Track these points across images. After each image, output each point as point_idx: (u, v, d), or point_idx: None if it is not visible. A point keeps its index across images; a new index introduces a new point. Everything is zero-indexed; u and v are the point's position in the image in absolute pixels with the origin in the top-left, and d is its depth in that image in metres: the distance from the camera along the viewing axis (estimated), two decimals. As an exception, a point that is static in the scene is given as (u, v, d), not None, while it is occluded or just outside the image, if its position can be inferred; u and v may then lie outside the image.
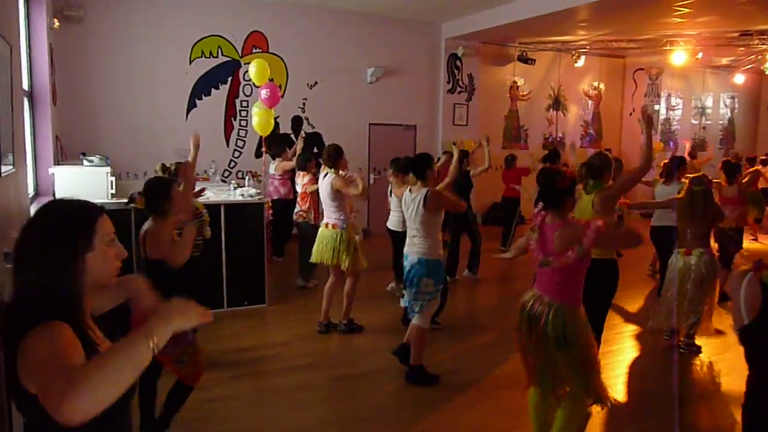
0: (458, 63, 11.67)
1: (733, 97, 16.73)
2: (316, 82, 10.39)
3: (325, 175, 5.47)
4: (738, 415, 2.28)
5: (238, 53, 9.71)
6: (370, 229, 10.55)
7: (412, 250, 4.40)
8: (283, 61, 10.08)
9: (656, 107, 14.88)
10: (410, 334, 4.48)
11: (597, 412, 3.65)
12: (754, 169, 9.48)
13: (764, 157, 10.68)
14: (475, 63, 11.92)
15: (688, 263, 4.92)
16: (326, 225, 5.47)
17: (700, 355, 5.17)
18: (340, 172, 5.43)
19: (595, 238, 2.92)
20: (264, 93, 7.67)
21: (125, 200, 4.76)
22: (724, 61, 14.77)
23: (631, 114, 14.64)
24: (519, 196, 8.89)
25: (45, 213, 1.52)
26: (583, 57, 13.05)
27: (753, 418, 2.11)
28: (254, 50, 9.83)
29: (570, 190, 3.12)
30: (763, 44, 11.61)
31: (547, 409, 3.30)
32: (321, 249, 5.43)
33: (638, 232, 3.25)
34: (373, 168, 10.99)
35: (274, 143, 8.40)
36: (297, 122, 10.13)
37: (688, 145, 11.72)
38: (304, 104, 10.36)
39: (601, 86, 14.33)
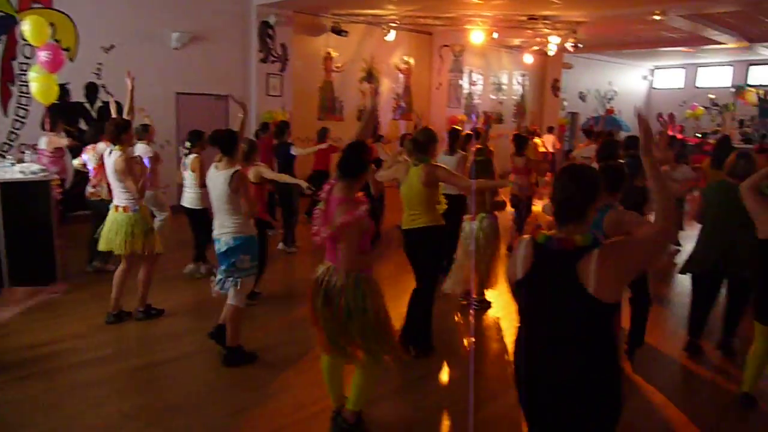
0: (270, 31, 11.37)
1: (524, 75, 18.55)
2: (112, 46, 9.44)
3: (110, 152, 4.90)
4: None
5: (12, 7, 8.43)
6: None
7: (224, 232, 4.22)
8: (71, 20, 8.97)
9: (460, 82, 15.97)
10: (226, 314, 4.32)
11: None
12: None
13: (535, 128, 11.96)
14: (288, 32, 11.71)
15: (472, 227, 5.40)
16: (116, 208, 4.94)
17: (490, 310, 5.72)
18: (136, 147, 4.93)
19: (346, 222, 3.03)
20: (44, 55, 6.75)
21: None
22: (516, 41, 16.28)
23: (437, 88, 15.54)
24: (328, 170, 8.91)
25: None
26: (393, 31, 13.47)
27: (516, 368, 2.32)
28: (34, 5, 8.61)
29: (368, 166, 3.17)
30: (547, 28, 12.97)
31: (340, 374, 3.45)
32: (111, 236, 4.91)
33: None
34: (182, 141, 10.33)
35: (61, 113, 7.51)
36: (92, 90, 9.17)
37: (481, 119, 12.76)
38: (99, 70, 9.36)
39: (411, 61, 14.97)
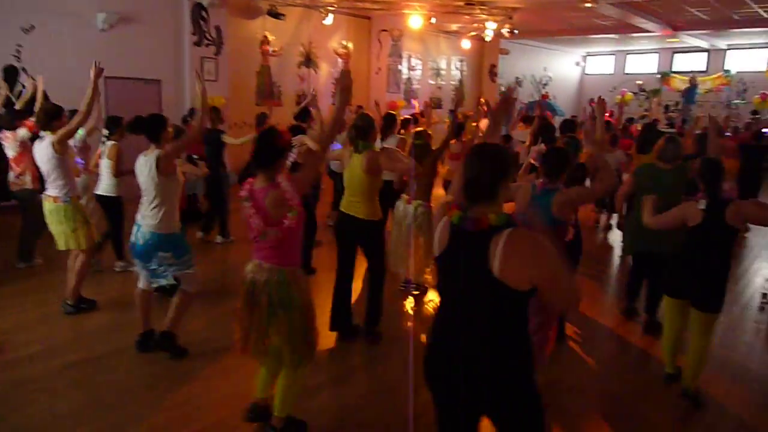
0: (204, 13, 11.02)
1: (462, 61, 18.75)
2: (32, 26, 8.92)
3: (42, 139, 4.69)
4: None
5: None
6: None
7: (146, 222, 4.02)
8: (-14, -2, 8.43)
9: (399, 67, 15.97)
10: (175, 300, 4.22)
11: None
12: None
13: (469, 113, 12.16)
14: (223, 15, 11.38)
15: (408, 210, 5.42)
16: (48, 198, 4.77)
17: (429, 293, 5.80)
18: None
19: (296, 191, 2.93)
20: (-43, 36, 6.31)
21: None
22: (454, 27, 16.42)
23: (377, 73, 15.50)
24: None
25: None
26: (331, 15, 13.30)
27: (428, 346, 2.30)
28: (-58, -19, 8.03)
29: (284, 151, 3.05)
30: (483, 14, 13.13)
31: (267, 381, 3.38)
32: (56, 229, 4.79)
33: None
34: (105, 126, 9.92)
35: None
36: (11, 73, 8.67)
37: (417, 105, 12.85)
38: (18, 52, 8.84)
39: (350, 45, 14.85)
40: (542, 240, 2.02)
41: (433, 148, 5.55)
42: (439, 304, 2.29)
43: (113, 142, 5.77)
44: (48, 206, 4.78)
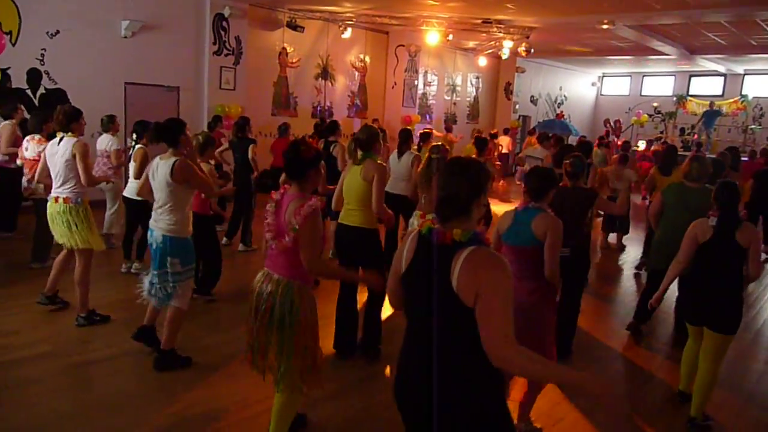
0: (225, 24, 11.18)
1: (478, 77, 18.83)
2: (58, 31, 9.10)
3: (60, 140, 4.72)
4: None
5: (-51, -13, 8.02)
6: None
7: (158, 226, 4.04)
8: (14, 3, 8.60)
9: (415, 82, 16.07)
10: (167, 315, 4.15)
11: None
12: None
13: (495, 131, 12.26)
14: (243, 26, 11.54)
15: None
16: (56, 200, 4.74)
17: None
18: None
19: (307, 217, 2.88)
20: (-16, 39, 6.47)
21: None
22: (471, 44, 16.51)
23: (393, 87, 15.59)
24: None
25: None
26: (349, 29, 13.45)
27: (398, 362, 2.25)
28: (-28, -14, 8.22)
29: (314, 161, 3.07)
30: (500, 32, 13.20)
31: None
32: (57, 229, 4.78)
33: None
34: (131, 132, 10.06)
35: (3, 100, 7.18)
36: (34, 76, 8.82)
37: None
38: (43, 56, 9.01)
39: (367, 59, 14.98)
40: (500, 264, 1.94)
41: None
42: (406, 323, 2.21)
43: (141, 146, 5.90)
44: (55, 207, 4.74)
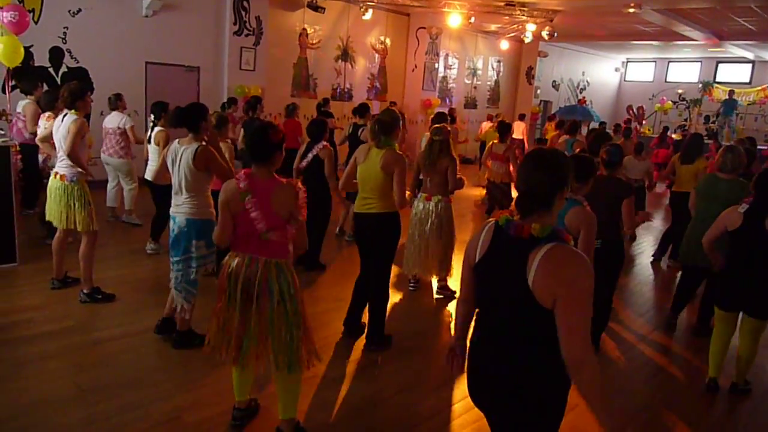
0: (245, 4, 11.14)
1: (499, 61, 18.60)
2: (80, 10, 9.14)
3: (64, 116, 4.71)
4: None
5: (-27, -35, 8.07)
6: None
7: (180, 211, 4.02)
8: (37, -19, 8.65)
9: (436, 65, 15.91)
10: (178, 299, 4.15)
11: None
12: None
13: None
14: (264, 6, 11.48)
15: (428, 207, 5.36)
16: (55, 174, 4.78)
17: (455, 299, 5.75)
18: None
19: (303, 206, 2.90)
20: (8, 16, 6.51)
21: None
22: (493, 27, 16.29)
23: (413, 70, 15.46)
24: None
25: None
26: (370, 11, 13.33)
27: (468, 354, 2.25)
28: (-3, -37, 8.25)
29: (280, 145, 3.00)
30: (523, 15, 12.99)
31: (249, 382, 3.32)
32: (52, 205, 4.80)
33: None
34: (150, 113, 10.13)
35: (25, 77, 7.25)
36: (57, 54, 8.87)
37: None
38: (65, 34, 9.07)
39: (387, 41, 14.86)
40: (582, 262, 1.89)
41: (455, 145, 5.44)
42: (477, 313, 2.21)
43: (161, 127, 5.90)
44: (53, 183, 4.79)
